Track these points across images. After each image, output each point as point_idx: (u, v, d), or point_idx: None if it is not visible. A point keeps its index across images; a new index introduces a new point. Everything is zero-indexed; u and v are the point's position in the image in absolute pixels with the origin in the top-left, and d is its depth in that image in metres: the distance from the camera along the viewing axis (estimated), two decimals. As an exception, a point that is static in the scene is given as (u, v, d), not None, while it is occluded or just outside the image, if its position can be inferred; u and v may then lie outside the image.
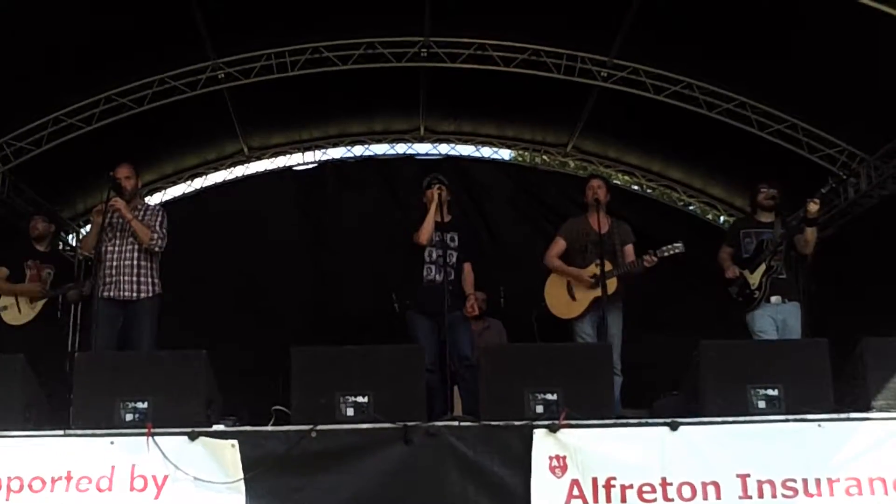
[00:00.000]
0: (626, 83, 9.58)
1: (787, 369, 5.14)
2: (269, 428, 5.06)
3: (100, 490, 4.74)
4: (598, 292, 6.54)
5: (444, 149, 11.72)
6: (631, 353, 6.73)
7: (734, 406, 5.03)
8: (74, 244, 10.95)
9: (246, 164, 11.56)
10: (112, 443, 4.84)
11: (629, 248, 6.86)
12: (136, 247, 6.56)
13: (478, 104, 10.87)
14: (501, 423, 4.95)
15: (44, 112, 9.23)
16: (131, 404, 4.99)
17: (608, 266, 6.54)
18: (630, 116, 10.29)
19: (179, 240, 7.06)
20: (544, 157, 11.76)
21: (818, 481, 4.75)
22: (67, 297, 7.72)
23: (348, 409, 5.01)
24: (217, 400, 5.29)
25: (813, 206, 6.70)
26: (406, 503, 4.82)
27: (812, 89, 8.84)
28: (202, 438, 4.86)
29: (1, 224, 9.14)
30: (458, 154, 11.68)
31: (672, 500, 4.73)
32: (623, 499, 4.73)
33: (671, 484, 4.75)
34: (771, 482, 4.74)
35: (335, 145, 11.63)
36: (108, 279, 6.49)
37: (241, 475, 4.77)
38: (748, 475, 4.76)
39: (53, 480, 4.75)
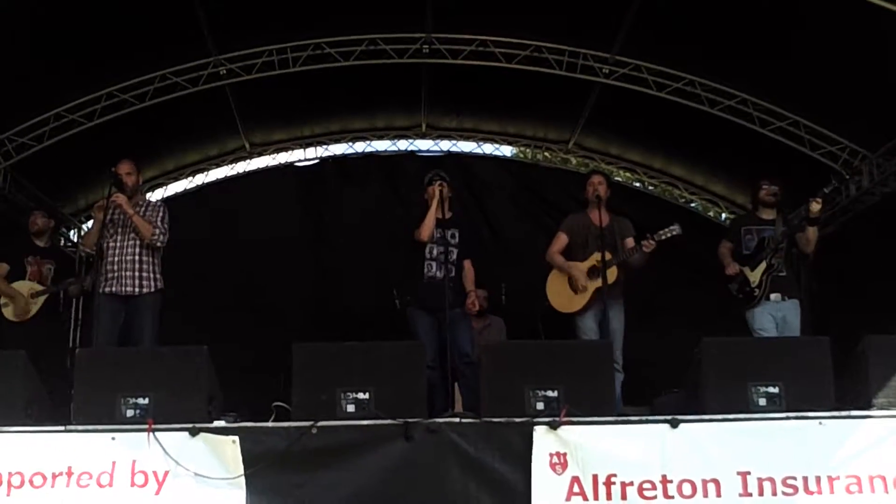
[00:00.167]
0: (627, 80, 9.57)
1: (788, 367, 5.15)
2: (270, 424, 5.06)
3: (100, 486, 4.75)
4: (599, 283, 6.55)
5: (445, 145, 11.71)
6: (632, 349, 6.73)
7: (735, 403, 5.03)
8: (76, 240, 10.94)
9: (247, 161, 11.55)
10: (113, 438, 4.85)
11: (629, 241, 6.87)
12: (138, 242, 6.57)
13: (479, 101, 10.86)
14: (502, 419, 4.95)
15: (45, 108, 9.23)
16: (132, 400, 5.00)
17: (608, 255, 6.55)
18: (632, 113, 10.27)
19: (181, 236, 7.07)
20: (546, 153, 11.75)
21: (818, 479, 4.75)
22: (69, 292, 7.73)
23: (349, 406, 5.02)
24: (218, 396, 5.30)
25: (815, 206, 6.70)
26: (407, 500, 4.83)
27: (814, 86, 8.82)
28: (203, 434, 4.87)
29: (2, 220, 9.13)
30: (459, 150, 11.66)
31: (672, 497, 4.73)
32: (623, 496, 4.74)
33: (672, 481, 4.76)
34: (771, 480, 4.75)
35: (337, 141, 11.62)
36: (109, 275, 6.50)
37: (242, 471, 4.78)
38: (749, 472, 4.77)
39: (54, 476, 4.76)
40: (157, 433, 4.82)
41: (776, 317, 6.82)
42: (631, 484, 4.75)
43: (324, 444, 4.87)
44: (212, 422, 5.01)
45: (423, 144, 11.69)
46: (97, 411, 4.99)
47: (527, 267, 7.98)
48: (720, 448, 4.83)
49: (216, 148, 11.37)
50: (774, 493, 4.72)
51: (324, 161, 11.47)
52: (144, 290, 6.55)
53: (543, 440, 4.82)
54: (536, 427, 4.85)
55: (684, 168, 11.41)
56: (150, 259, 6.63)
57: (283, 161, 11.61)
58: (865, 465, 4.78)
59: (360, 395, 5.02)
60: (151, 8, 8.18)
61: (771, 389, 5.06)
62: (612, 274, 6.58)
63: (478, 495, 4.81)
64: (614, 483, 4.75)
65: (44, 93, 8.99)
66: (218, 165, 11.53)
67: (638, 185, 11.79)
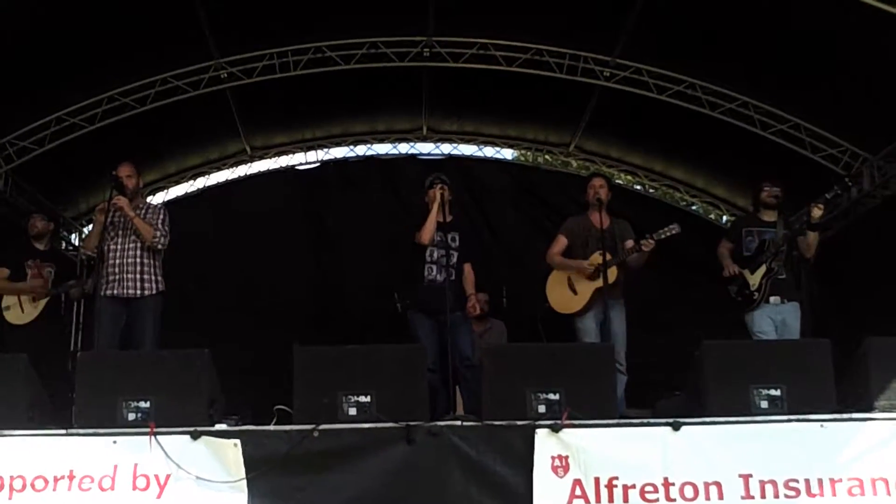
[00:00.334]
0: (628, 83, 9.58)
1: (789, 369, 5.14)
2: (272, 427, 5.06)
3: (102, 489, 4.75)
4: (599, 283, 6.55)
5: (446, 148, 11.73)
6: (633, 352, 6.73)
7: (737, 406, 5.03)
8: (77, 243, 10.95)
9: (248, 164, 11.57)
10: (115, 442, 4.85)
11: (629, 243, 6.87)
12: (139, 245, 6.57)
13: (480, 104, 10.87)
14: (504, 422, 4.95)
15: (46, 111, 9.24)
16: (134, 403, 5.00)
17: (608, 257, 6.55)
18: (632, 116, 10.28)
19: (182, 239, 7.07)
20: (547, 156, 11.76)
21: (820, 481, 4.75)
22: (70, 294, 7.73)
23: (350, 409, 5.02)
24: (219, 399, 5.30)
25: (816, 212, 6.70)
26: (408, 503, 4.83)
27: (815, 89, 8.84)
28: (205, 438, 4.87)
29: (3, 223, 9.13)
30: (460, 154, 11.68)
31: (674, 500, 4.73)
32: (625, 499, 4.73)
33: (673, 484, 4.75)
34: (773, 482, 4.75)
35: (338, 145, 11.63)
36: (111, 277, 6.50)
37: (244, 474, 4.78)
38: (751, 475, 4.76)
39: (56, 479, 4.76)
40: (158, 436, 4.82)
41: (776, 320, 6.81)
42: (633, 487, 4.75)
43: (325, 447, 4.87)
44: (213, 425, 5.01)
45: (424, 147, 11.73)
46: (99, 414, 4.99)
47: (528, 270, 8.00)
48: (722, 451, 4.82)
49: (217, 151, 11.38)
50: (776, 496, 4.72)
51: (325, 164, 11.49)
52: (146, 292, 6.55)
53: (545, 443, 4.82)
54: (538, 430, 4.85)
55: (685, 171, 11.42)
56: (152, 261, 6.63)
57: (284, 164, 11.63)
58: (867, 468, 4.78)
59: (362, 399, 5.02)
60: (152, 11, 8.19)
61: (772, 392, 5.06)
62: (611, 274, 6.58)
63: (479, 498, 4.81)
64: (616, 486, 4.75)
65: (45, 96, 9.00)
66: (219, 168, 11.54)
67: (639, 188, 11.80)
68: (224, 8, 8.55)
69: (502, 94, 10.33)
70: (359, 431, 4.92)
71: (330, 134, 11.54)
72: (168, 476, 4.79)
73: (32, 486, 4.75)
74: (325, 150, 11.62)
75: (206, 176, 11.57)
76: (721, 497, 4.73)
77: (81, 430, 4.94)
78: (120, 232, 6.59)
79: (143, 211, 6.70)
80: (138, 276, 6.53)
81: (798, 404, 5.01)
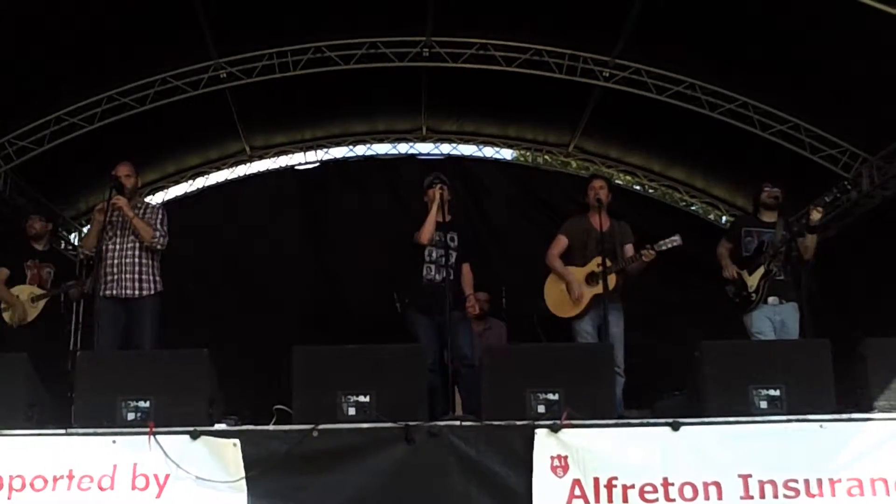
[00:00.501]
0: (628, 83, 9.57)
1: (788, 370, 5.15)
2: (271, 427, 5.07)
3: (101, 489, 4.75)
4: (598, 289, 6.55)
5: (445, 148, 11.73)
6: (633, 353, 6.73)
7: (736, 406, 5.04)
8: (76, 243, 10.94)
9: (248, 164, 11.56)
10: (114, 442, 4.85)
11: (629, 247, 6.86)
12: (138, 245, 6.56)
13: (480, 104, 10.87)
14: (503, 422, 4.96)
15: (46, 111, 9.22)
16: (133, 403, 5.01)
17: (608, 263, 6.54)
18: (632, 117, 10.28)
19: (181, 239, 7.07)
20: (546, 156, 11.76)
21: (820, 482, 4.75)
22: (69, 294, 7.72)
23: (350, 409, 5.02)
24: (219, 399, 5.30)
25: (815, 215, 6.70)
26: (407, 503, 4.83)
27: (814, 89, 8.84)
28: (204, 437, 4.87)
29: (2, 223, 9.13)
30: (459, 154, 11.67)
31: (674, 500, 4.73)
32: (625, 499, 4.74)
33: (673, 484, 4.76)
34: (773, 482, 4.75)
35: (337, 145, 11.63)
36: (109, 277, 6.49)
37: (243, 474, 4.78)
38: (750, 475, 4.77)
39: (55, 479, 4.76)
40: (158, 436, 4.82)
41: (774, 320, 6.81)
42: (632, 487, 4.76)
43: (325, 447, 4.87)
44: (213, 425, 5.01)
45: (424, 148, 11.72)
46: (98, 414, 4.99)
47: (527, 270, 7.98)
48: (721, 451, 4.83)
49: (217, 151, 11.37)
50: (776, 496, 4.72)
51: (324, 164, 11.48)
52: (144, 292, 6.54)
53: (545, 443, 4.82)
54: (537, 430, 4.85)
55: (684, 171, 11.41)
56: (150, 261, 6.62)
57: (283, 164, 11.61)
58: (867, 468, 4.78)
59: (361, 398, 5.02)
60: (152, 11, 8.19)
61: (772, 392, 5.07)
62: (611, 280, 6.57)
63: (479, 498, 4.81)
64: (615, 486, 4.75)
65: (44, 96, 8.99)
66: (218, 168, 11.53)
67: (638, 188, 11.81)
68: (223, 8, 8.55)
69: (501, 95, 10.33)
70: (358, 431, 4.92)
71: (329, 134, 11.53)
72: (167, 476, 4.79)
73: (32, 485, 4.75)
74: (325, 149, 11.62)
75: (206, 176, 11.56)
76: (720, 497, 4.74)
77: (81, 430, 4.94)
78: (118, 232, 6.58)
79: (142, 211, 6.69)
80: (136, 276, 6.53)
81: (797, 404, 5.02)
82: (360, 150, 11.66)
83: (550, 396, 5.02)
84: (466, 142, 11.68)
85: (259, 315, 10.10)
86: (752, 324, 6.84)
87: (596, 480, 4.76)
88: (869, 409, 5.08)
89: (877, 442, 4.85)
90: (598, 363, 5.34)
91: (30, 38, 7.91)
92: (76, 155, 9.42)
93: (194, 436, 4.87)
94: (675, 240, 6.62)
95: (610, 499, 4.74)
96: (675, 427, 4.89)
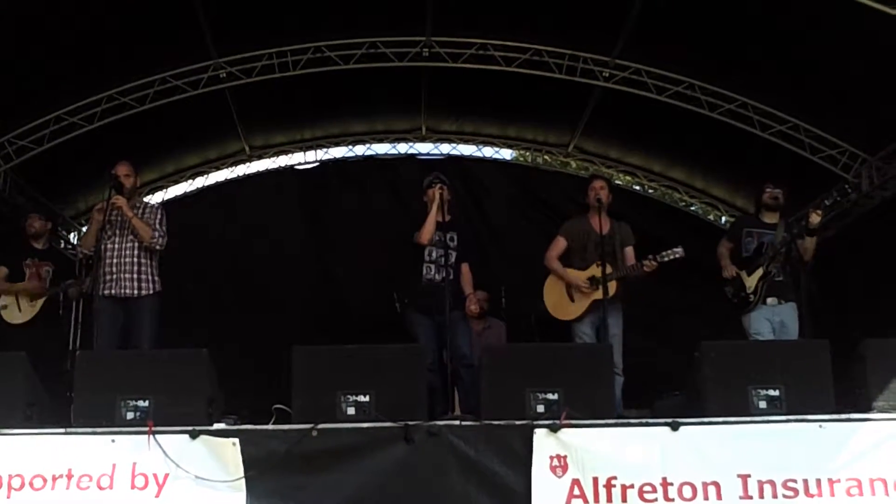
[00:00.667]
0: (627, 83, 9.58)
1: (787, 370, 5.15)
2: (271, 427, 5.07)
3: (101, 488, 4.75)
4: (597, 294, 6.54)
5: (445, 148, 11.74)
6: (632, 352, 6.73)
7: (735, 406, 5.04)
8: (76, 242, 10.94)
9: (247, 164, 11.57)
10: (113, 441, 4.85)
11: (629, 250, 6.86)
12: (136, 244, 6.56)
13: (479, 104, 10.87)
14: (502, 422, 4.96)
15: (45, 111, 9.23)
16: (132, 402, 5.01)
17: (608, 269, 6.54)
18: (632, 117, 10.28)
19: (180, 239, 7.07)
20: (546, 157, 11.77)
21: (819, 482, 4.76)
22: (68, 294, 7.73)
23: (349, 408, 5.02)
24: (218, 398, 5.30)
25: (815, 217, 6.69)
26: (407, 502, 4.83)
27: (814, 90, 8.84)
28: (203, 437, 4.87)
29: (2, 223, 9.13)
30: (459, 154, 11.69)
31: (673, 500, 4.74)
32: (624, 498, 4.74)
33: (672, 484, 4.76)
34: (772, 482, 4.76)
35: (337, 145, 11.63)
36: (108, 277, 6.49)
37: (242, 474, 4.78)
38: (749, 475, 4.77)
39: (54, 478, 4.76)
40: (157, 435, 4.82)
41: (773, 321, 6.81)
42: (631, 487, 4.76)
43: (324, 446, 4.87)
44: (212, 424, 5.01)
45: (423, 148, 11.74)
46: (97, 413, 4.99)
47: (526, 270, 7.99)
48: (720, 451, 4.83)
49: (216, 151, 11.38)
50: (775, 496, 4.73)
51: (324, 164, 11.49)
52: (143, 292, 6.54)
53: (544, 443, 4.83)
54: (537, 430, 4.86)
55: (684, 171, 11.42)
56: (149, 261, 6.62)
57: (283, 164, 11.63)
58: (866, 468, 4.78)
59: (361, 398, 5.03)
60: (152, 11, 8.19)
61: (771, 392, 5.07)
62: (611, 287, 6.56)
63: (478, 498, 4.81)
64: (615, 486, 4.75)
65: (44, 96, 8.99)
66: (218, 168, 11.54)
67: (638, 188, 11.81)
68: (223, 8, 8.55)
69: (501, 95, 10.33)
70: (358, 431, 4.92)
71: (329, 134, 11.54)
72: (167, 475, 4.79)
73: (31, 484, 4.75)
74: (325, 149, 11.62)
75: (205, 175, 11.57)
76: (719, 497, 4.74)
77: (80, 429, 4.94)
78: (117, 231, 6.57)
79: (141, 211, 6.68)
80: (135, 276, 6.52)
81: (797, 405, 5.02)
82: (360, 149, 11.67)
83: (550, 396, 5.02)
84: (466, 142, 11.69)
85: (259, 315, 10.10)
86: (751, 325, 6.83)
87: (595, 480, 4.76)
88: (868, 410, 5.08)
89: (876, 442, 4.85)
90: (597, 363, 5.34)
91: (30, 38, 7.92)
92: (76, 154, 9.42)
93: (193, 435, 4.87)
94: (678, 251, 6.61)
95: (609, 498, 4.74)
96: (675, 427, 4.89)
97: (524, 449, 4.84)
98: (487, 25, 9.37)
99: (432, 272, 6.71)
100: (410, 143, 11.66)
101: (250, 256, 10.46)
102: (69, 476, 4.76)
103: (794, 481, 4.75)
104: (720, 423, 4.95)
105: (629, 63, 9.48)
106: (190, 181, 11.53)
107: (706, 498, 4.73)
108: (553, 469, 4.79)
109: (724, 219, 11.40)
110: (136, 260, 6.55)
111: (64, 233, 10.93)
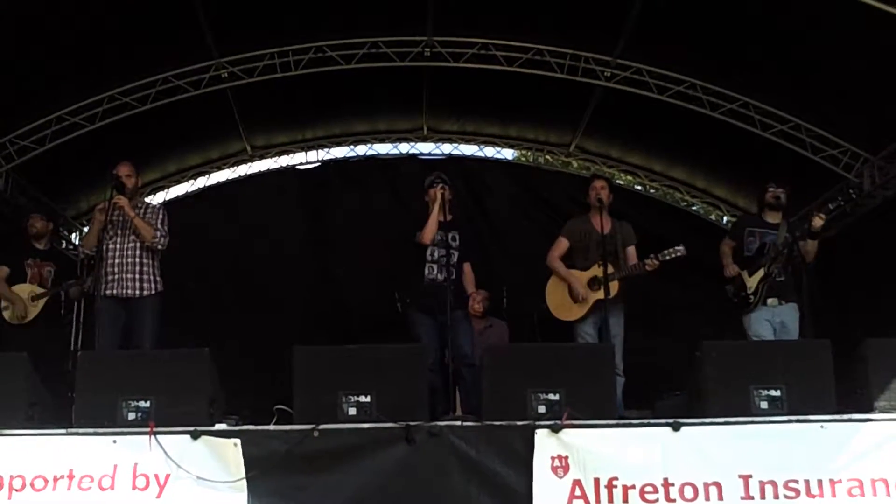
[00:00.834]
0: (629, 83, 9.57)
1: (789, 370, 5.15)
2: (272, 427, 5.08)
3: (102, 489, 4.75)
4: (599, 294, 6.55)
5: (447, 148, 11.74)
6: (633, 352, 6.73)
7: (736, 407, 5.04)
8: (77, 242, 10.95)
9: (249, 163, 11.57)
10: (114, 441, 4.85)
11: (631, 250, 6.86)
12: (138, 244, 6.57)
13: (481, 104, 10.87)
14: (504, 422, 4.96)
15: (47, 111, 9.23)
16: (134, 403, 5.01)
17: (610, 269, 6.54)
18: (633, 116, 10.28)
19: (182, 239, 7.07)
20: (547, 156, 11.76)
21: (820, 482, 4.76)
22: (69, 294, 7.73)
23: (351, 409, 5.02)
24: (219, 399, 5.30)
25: (818, 221, 6.68)
26: (408, 503, 4.83)
27: (815, 89, 8.83)
28: (204, 437, 4.87)
29: (3, 223, 9.14)
30: (461, 154, 11.69)
31: (674, 500, 4.74)
32: (625, 499, 4.74)
33: (673, 484, 4.76)
34: (773, 483, 4.75)
35: (338, 144, 11.63)
36: (110, 277, 6.49)
37: (244, 474, 4.78)
38: (750, 476, 4.77)
39: (56, 479, 4.76)
40: (158, 436, 4.83)
41: (773, 322, 6.80)
42: (633, 487, 4.76)
43: (325, 447, 4.87)
44: (213, 425, 5.01)
45: (425, 147, 11.73)
46: (99, 414, 5.00)
47: (528, 269, 7.99)
48: (722, 451, 4.83)
49: (218, 151, 11.38)
50: (776, 497, 4.73)
51: (325, 164, 11.49)
52: (145, 292, 6.55)
53: (545, 443, 4.83)
54: (538, 430, 4.86)
55: (686, 171, 11.41)
56: (150, 261, 6.63)
57: (284, 164, 11.62)
58: (867, 469, 4.78)
59: (362, 398, 5.03)
60: (152, 11, 8.19)
61: (772, 392, 5.07)
62: (613, 287, 6.57)
63: (479, 498, 4.82)
64: (616, 486, 4.75)
65: (46, 96, 8.99)
66: (219, 168, 11.54)
67: (639, 188, 11.80)
68: (224, 8, 8.55)
69: (503, 94, 10.33)
70: (359, 431, 4.92)
71: (330, 133, 11.53)
72: (168, 476, 4.79)
73: (32, 485, 4.75)
74: (326, 149, 11.62)
75: (207, 175, 11.56)
76: (721, 498, 4.74)
77: (81, 430, 4.94)
78: (119, 231, 6.59)
79: (143, 211, 6.70)
80: (137, 276, 6.53)
81: (798, 405, 5.02)
82: (361, 149, 11.67)
83: (551, 396, 5.02)
84: (467, 142, 11.69)
85: (260, 315, 10.10)
86: (750, 325, 6.83)
87: (596, 481, 4.76)
88: (869, 410, 5.08)
89: (877, 442, 4.85)
90: (598, 363, 5.34)
91: (30, 38, 7.92)
92: (77, 154, 9.43)
93: (195, 436, 4.87)
94: (680, 250, 6.62)
95: (610, 499, 4.74)
96: (676, 427, 4.89)
97: (525, 449, 4.84)
98: (489, 25, 9.36)
99: (434, 272, 6.70)
100: (412, 143, 11.66)
101: (252, 256, 10.46)
102: (70, 477, 4.76)
103: (796, 482, 4.75)
104: (722, 423, 4.94)
105: (630, 63, 9.48)
106: (191, 181, 11.53)
107: (707, 498, 4.73)
108: (554, 469, 4.79)
109: (725, 219, 11.39)
110: (137, 260, 6.56)
111: (65, 233, 10.93)
